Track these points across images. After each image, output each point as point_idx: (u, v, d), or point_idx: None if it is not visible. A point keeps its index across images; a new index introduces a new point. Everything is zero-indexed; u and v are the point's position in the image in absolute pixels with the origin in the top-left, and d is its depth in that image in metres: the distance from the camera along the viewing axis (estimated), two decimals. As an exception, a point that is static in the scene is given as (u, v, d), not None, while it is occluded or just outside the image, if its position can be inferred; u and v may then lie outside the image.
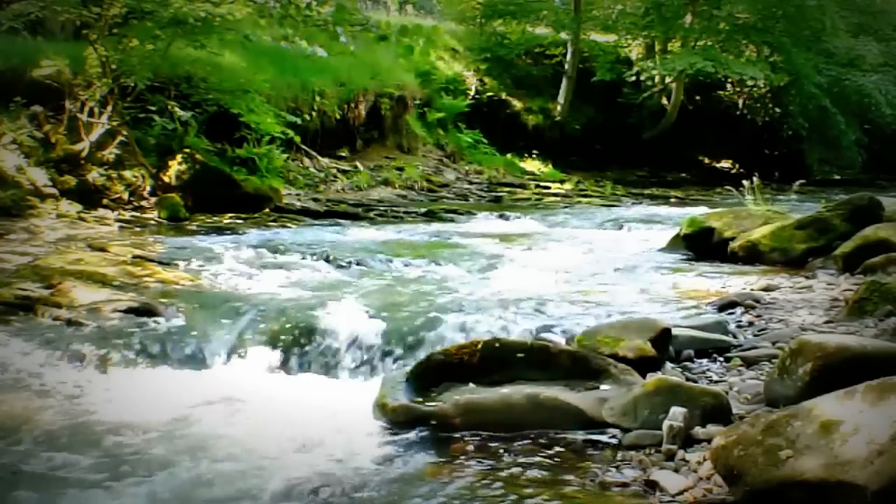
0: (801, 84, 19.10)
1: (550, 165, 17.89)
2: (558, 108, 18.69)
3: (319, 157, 13.19)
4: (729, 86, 20.67)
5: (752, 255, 7.08)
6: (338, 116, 13.90)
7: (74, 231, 8.21)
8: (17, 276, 5.74)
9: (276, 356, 4.58)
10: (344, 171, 13.45)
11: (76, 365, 4.40)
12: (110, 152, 9.78)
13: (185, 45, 10.22)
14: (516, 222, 10.98)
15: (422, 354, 4.28)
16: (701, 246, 7.59)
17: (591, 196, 15.26)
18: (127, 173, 9.85)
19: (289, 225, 9.71)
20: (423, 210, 11.85)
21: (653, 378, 3.60)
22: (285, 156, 11.95)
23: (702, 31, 18.97)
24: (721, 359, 4.32)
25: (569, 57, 18.60)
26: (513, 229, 10.13)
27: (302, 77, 13.22)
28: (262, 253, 7.21)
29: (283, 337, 4.69)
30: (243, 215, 9.81)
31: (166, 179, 9.96)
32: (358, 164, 14.01)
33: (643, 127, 19.42)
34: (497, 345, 3.91)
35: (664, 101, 19.69)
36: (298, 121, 12.09)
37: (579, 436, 3.37)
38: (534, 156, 18.05)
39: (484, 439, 3.37)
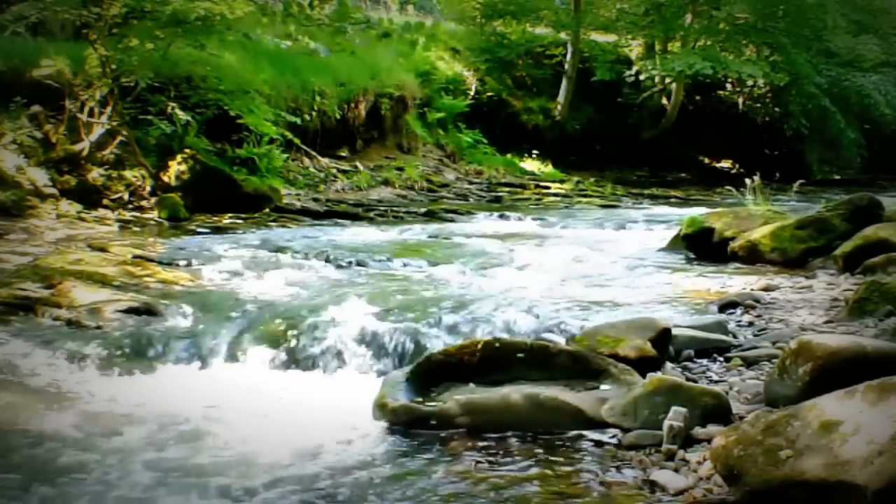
0: (801, 84, 19.09)
1: (550, 165, 17.89)
2: (558, 108, 18.69)
3: (319, 157, 13.19)
4: (729, 86, 20.67)
5: (752, 255, 7.07)
6: (338, 116, 13.89)
7: (74, 231, 8.21)
8: (17, 276, 5.74)
9: (276, 356, 4.58)
10: (344, 171, 13.45)
11: (76, 365, 4.40)
12: (110, 152, 9.78)
13: (185, 45, 10.22)
14: (516, 222, 10.98)
15: (422, 354, 4.29)
16: (701, 246, 7.59)
17: (590, 196, 15.25)
18: (127, 173, 9.85)
19: (289, 225, 9.71)
20: (423, 210, 11.85)
21: (653, 378, 3.59)
22: (285, 156, 11.96)
23: (701, 31, 18.98)
24: (721, 359, 4.32)
25: (569, 57, 18.60)
26: (513, 229, 10.13)
27: (302, 77, 13.22)
28: (262, 253, 7.21)
29: (283, 337, 4.70)
30: (243, 215, 9.82)
31: (166, 179, 9.96)
32: (358, 164, 14.01)
33: (643, 127, 19.42)
34: (497, 345, 3.91)
35: (664, 101, 19.68)
36: (298, 121, 12.09)
37: (579, 436, 3.37)
38: (534, 156, 18.05)
39: (484, 439, 3.37)
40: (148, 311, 5.13)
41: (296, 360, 4.56)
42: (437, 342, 4.57)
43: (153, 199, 9.70)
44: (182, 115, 10.18)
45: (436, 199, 13.64)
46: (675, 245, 7.96)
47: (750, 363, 4.18)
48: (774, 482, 2.59)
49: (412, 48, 17.54)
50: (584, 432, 3.39)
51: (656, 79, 18.35)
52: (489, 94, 18.32)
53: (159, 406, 3.84)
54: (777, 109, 20.34)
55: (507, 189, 15.33)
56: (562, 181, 16.72)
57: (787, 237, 7.04)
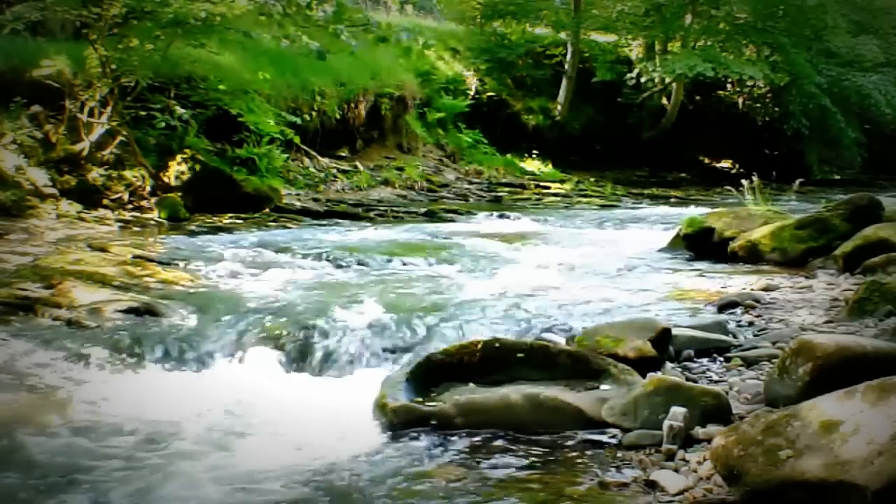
0: (801, 84, 19.10)
1: (550, 165, 17.89)
2: (558, 108, 18.69)
3: (319, 157, 13.19)
4: (729, 86, 20.67)
5: (752, 255, 7.08)
6: (338, 116, 13.88)
7: (74, 231, 8.21)
8: (17, 276, 5.74)
9: (276, 356, 4.58)
10: (344, 171, 13.45)
11: (76, 365, 4.39)
12: (110, 152, 9.78)
13: (185, 45, 10.21)
14: (516, 222, 10.98)
15: (422, 354, 4.29)
16: (701, 246, 7.59)
17: (590, 196, 15.25)
18: (127, 173, 9.85)
19: (289, 225, 9.71)
20: (423, 210, 11.85)
21: (653, 378, 3.60)
22: (285, 156, 11.95)
23: (702, 32, 18.98)
24: (721, 359, 4.32)
25: (569, 57, 18.60)
26: (513, 229, 10.13)
27: (302, 77, 13.22)
28: (262, 253, 7.21)
29: (283, 337, 4.70)
30: (243, 215, 9.81)
31: (166, 179, 9.96)
32: (358, 164, 14.01)
33: (643, 127, 19.42)
34: (497, 345, 3.91)
35: (664, 101, 19.69)
36: (298, 121, 12.09)
37: (579, 436, 3.37)
38: (534, 156, 18.05)
39: (484, 439, 3.37)
40: (148, 311, 5.13)
41: (296, 361, 4.56)
42: (438, 342, 4.57)
43: (153, 199, 9.70)
44: (182, 112, 10.18)
45: (436, 199, 13.64)
46: (675, 245, 7.97)
47: (750, 363, 4.18)
48: (774, 482, 2.59)
49: (407, 54, 17.50)
50: (584, 432, 3.39)
51: (656, 79, 18.36)
52: (489, 94, 18.32)
53: (159, 406, 3.84)
54: (777, 109, 20.35)
55: (507, 189, 15.33)
56: (562, 181, 16.72)
57: (787, 237, 7.04)
